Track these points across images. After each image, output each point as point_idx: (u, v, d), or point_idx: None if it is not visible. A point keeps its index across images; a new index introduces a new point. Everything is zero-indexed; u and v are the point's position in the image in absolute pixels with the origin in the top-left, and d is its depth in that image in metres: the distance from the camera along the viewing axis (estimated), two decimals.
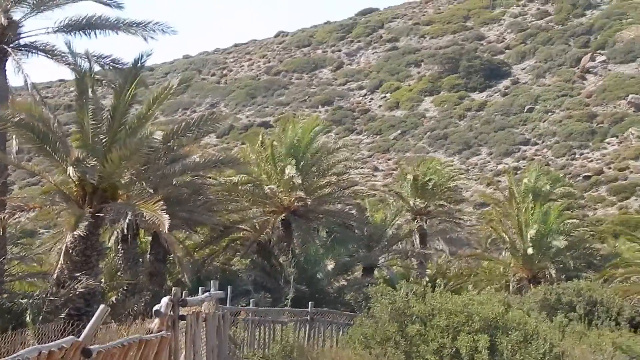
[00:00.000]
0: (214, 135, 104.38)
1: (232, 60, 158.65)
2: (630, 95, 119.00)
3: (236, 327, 27.72)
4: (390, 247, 57.26)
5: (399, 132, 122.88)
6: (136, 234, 37.13)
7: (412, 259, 61.92)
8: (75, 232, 32.46)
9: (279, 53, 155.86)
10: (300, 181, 45.47)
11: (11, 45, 34.81)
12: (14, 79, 32.31)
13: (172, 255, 36.20)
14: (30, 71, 34.65)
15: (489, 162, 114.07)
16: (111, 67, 36.04)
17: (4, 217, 33.74)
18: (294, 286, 41.76)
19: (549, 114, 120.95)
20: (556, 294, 38.90)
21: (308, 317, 34.34)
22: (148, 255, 38.79)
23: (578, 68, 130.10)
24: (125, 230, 36.64)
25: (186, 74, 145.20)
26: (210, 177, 41.93)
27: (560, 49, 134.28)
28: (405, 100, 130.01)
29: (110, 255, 38.02)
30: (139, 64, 34.96)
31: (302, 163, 46.69)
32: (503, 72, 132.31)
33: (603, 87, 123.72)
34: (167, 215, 31.63)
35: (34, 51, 35.66)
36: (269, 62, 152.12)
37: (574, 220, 57.26)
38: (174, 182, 36.62)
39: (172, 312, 18.88)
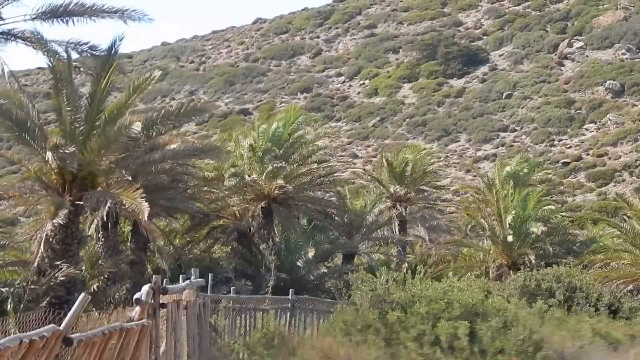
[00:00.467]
0: (193, 123, 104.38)
1: (210, 47, 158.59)
2: (608, 82, 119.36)
3: (217, 315, 27.72)
4: (370, 234, 57.33)
5: (377, 119, 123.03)
6: (116, 222, 37.12)
7: (392, 245, 61.98)
8: (55, 221, 32.46)
9: (257, 40, 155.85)
10: (281, 170, 45.69)
11: None
12: None
13: (152, 244, 36.21)
14: (8, 59, 34.41)
15: (468, 148, 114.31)
16: (89, 54, 35.95)
17: None
18: (275, 274, 41.80)
19: (527, 100, 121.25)
20: (535, 280, 38.98)
21: (289, 305, 34.39)
22: (128, 244, 38.81)
23: (556, 54, 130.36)
24: (105, 219, 36.64)
25: (164, 61, 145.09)
26: (189, 166, 41.86)
27: (537, 35, 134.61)
28: (383, 87, 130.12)
29: (91, 244, 38.01)
30: (112, 50, 35.01)
31: (282, 151, 46.76)
32: (481, 59, 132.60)
33: (580, 73, 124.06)
34: (146, 203, 31.67)
35: (11, 39, 35.58)
36: (247, 49, 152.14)
37: (553, 207, 57.36)
38: (153, 170, 36.59)
39: (152, 300, 18.90)
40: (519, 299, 33.83)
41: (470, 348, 26.76)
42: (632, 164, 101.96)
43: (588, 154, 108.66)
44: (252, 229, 45.60)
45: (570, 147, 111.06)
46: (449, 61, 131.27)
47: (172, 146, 39.06)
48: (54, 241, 32.33)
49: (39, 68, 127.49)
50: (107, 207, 34.30)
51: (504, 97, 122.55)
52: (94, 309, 20.20)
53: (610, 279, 42.38)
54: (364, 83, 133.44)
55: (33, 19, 35.78)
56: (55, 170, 32.62)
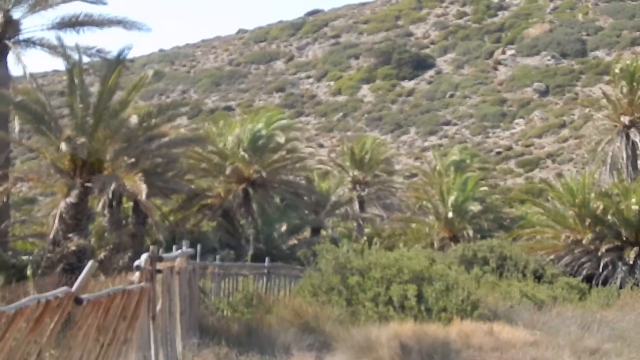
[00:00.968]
0: (185, 117, 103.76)
1: (200, 53, 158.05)
2: (535, 83, 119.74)
3: (205, 279, 27.71)
4: (334, 211, 57.41)
5: (341, 114, 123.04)
6: (120, 200, 36.97)
7: (353, 221, 62.09)
8: (67, 200, 32.45)
9: (239, 47, 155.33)
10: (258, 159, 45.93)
11: (12, 40, 34.63)
12: (15, 69, 32.25)
13: (150, 219, 36.14)
14: (28, 62, 34.64)
15: (417, 139, 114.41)
16: (97, 58, 35.87)
17: (7, 187, 33.66)
18: (253, 244, 41.80)
19: (467, 99, 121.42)
20: (472, 251, 39.08)
21: (265, 271, 34.37)
22: (130, 219, 38.63)
23: (491, 60, 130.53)
24: (111, 198, 36.51)
25: (161, 65, 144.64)
26: (181, 152, 41.72)
27: (476, 44, 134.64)
28: (346, 87, 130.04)
29: (98, 219, 37.89)
30: (121, 57, 35.02)
31: (260, 142, 46.78)
32: (428, 64, 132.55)
33: (512, 76, 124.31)
34: (144, 185, 31.69)
35: (31, 45, 35.45)
36: (231, 55, 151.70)
37: (487, 189, 57.52)
38: (151, 157, 36.49)
39: (150, 267, 18.89)
40: (459, 266, 33.97)
41: (418, 307, 26.86)
42: (555, 153, 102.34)
43: (517, 145, 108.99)
44: (234, 206, 45.54)
45: (502, 138, 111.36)
46: (401, 66, 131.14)
47: (168, 136, 39.06)
48: (66, 217, 32.25)
49: (55, 70, 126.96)
50: (111, 188, 34.15)
51: (447, 96, 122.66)
52: (101, 274, 20.11)
53: (535, 250, 42.50)
54: (329, 84, 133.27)
55: (50, 29, 35.66)
56: (68, 157, 32.53)
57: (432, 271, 28.88)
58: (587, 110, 76.39)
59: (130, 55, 37.40)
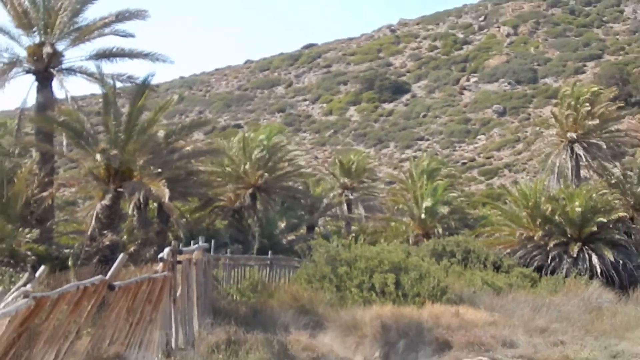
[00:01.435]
0: (202, 133, 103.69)
1: (213, 80, 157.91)
2: (494, 105, 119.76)
3: (217, 269, 27.69)
4: (326, 212, 57.47)
5: (332, 131, 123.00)
6: (147, 203, 36.93)
7: (342, 220, 62.12)
8: (103, 202, 32.53)
9: (247, 75, 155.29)
10: (262, 161, 46.04)
11: (56, 68, 34.63)
12: (58, 93, 32.22)
13: (172, 218, 36.13)
14: (70, 87, 34.46)
15: (395, 152, 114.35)
16: (128, 83, 35.94)
17: (52, 192, 33.67)
18: (258, 240, 41.80)
19: (437, 118, 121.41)
20: (442, 245, 39.12)
21: (268, 262, 34.35)
22: (155, 218, 38.60)
23: (457, 86, 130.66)
24: (139, 201, 36.50)
25: (181, 90, 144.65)
26: (199, 164, 41.70)
27: (445, 73, 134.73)
28: (336, 108, 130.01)
29: (129, 219, 37.87)
30: (146, 82, 35.08)
31: (264, 153, 46.82)
32: (405, 89, 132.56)
33: (475, 99, 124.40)
34: (167, 190, 31.76)
35: (72, 73, 35.48)
36: (240, 81, 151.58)
37: (454, 194, 57.48)
38: (173, 167, 36.51)
39: (172, 259, 18.88)
40: (430, 258, 34.00)
41: (396, 292, 26.89)
42: (511, 164, 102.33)
43: (479, 157, 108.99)
44: (242, 208, 45.53)
45: (467, 151, 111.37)
46: (382, 91, 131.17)
47: (187, 149, 39.10)
48: (102, 217, 32.30)
49: (92, 94, 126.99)
50: (140, 193, 34.18)
51: (421, 116, 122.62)
52: (130, 264, 20.12)
53: (494, 245, 42.54)
54: (322, 106, 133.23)
55: (88, 59, 35.71)
56: (103, 167, 32.58)
57: (408, 262, 28.93)
58: (537, 128, 76.32)
59: (155, 81, 37.48)
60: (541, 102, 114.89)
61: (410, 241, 48.88)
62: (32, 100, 35.03)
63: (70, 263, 26.83)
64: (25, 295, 10.35)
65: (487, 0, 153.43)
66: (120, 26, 35.81)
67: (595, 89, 55.59)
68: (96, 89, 35.44)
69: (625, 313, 27.24)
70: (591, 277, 38.09)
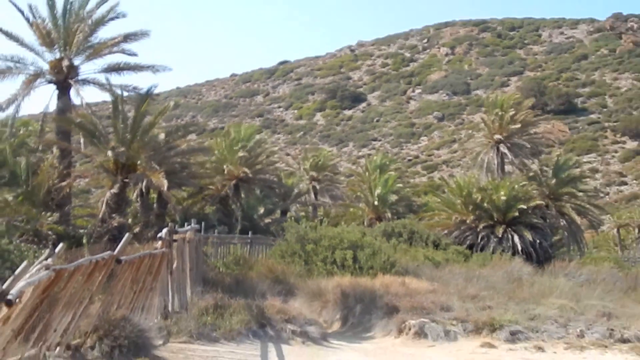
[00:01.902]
0: (195, 134, 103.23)
1: (204, 89, 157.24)
2: (435, 112, 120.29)
3: (207, 246, 27.64)
4: (296, 199, 57.40)
5: (301, 133, 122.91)
6: (148, 191, 36.71)
7: (309, 206, 62.13)
8: (112, 191, 32.41)
9: (232, 86, 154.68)
10: (244, 158, 45.94)
11: (73, 79, 34.47)
12: (75, 100, 32.06)
13: (169, 204, 35.98)
14: (85, 95, 34.25)
15: (353, 150, 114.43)
16: (133, 92, 35.74)
17: (70, 182, 33.53)
18: (241, 222, 41.71)
19: (388, 122, 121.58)
20: (391, 227, 39.23)
21: (249, 240, 34.37)
22: (155, 204, 38.35)
23: (405, 96, 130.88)
24: (142, 189, 36.30)
25: (177, 98, 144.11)
26: (192, 159, 41.53)
27: (394, 85, 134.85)
28: (305, 114, 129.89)
29: (133, 204, 37.65)
30: (148, 92, 35.01)
31: (246, 149, 46.72)
32: (362, 98, 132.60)
33: (419, 107, 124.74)
34: (165, 181, 31.73)
35: (86, 83, 35.28)
36: (226, 91, 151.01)
37: (401, 185, 57.67)
38: (170, 162, 36.34)
39: (169, 238, 18.82)
40: (382, 238, 34.05)
41: (353, 266, 26.93)
42: (448, 160, 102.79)
43: (422, 154, 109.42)
44: (228, 196, 45.39)
45: (412, 150, 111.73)
46: (343, 100, 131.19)
47: (182, 147, 38.96)
48: (111, 203, 32.15)
49: (104, 101, 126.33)
50: (143, 183, 34.02)
51: (374, 121, 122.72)
52: (135, 242, 20.05)
53: (434, 227, 42.73)
54: (294, 112, 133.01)
55: (100, 72, 35.53)
56: (112, 161, 32.45)
57: (363, 241, 28.99)
58: (470, 131, 76.72)
59: (155, 91, 37.27)
60: (473, 110, 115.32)
61: (365, 223, 48.96)
62: (53, 105, 34.92)
63: (84, 241, 26.68)
64: (47, 267, 10.32)
65: (429, 25, 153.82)
66: (127, 45, 35.71)
67: (517, 98, 56.11)
68: (107, 96, 35.26)
69: (541, 283, 27.45)
70: (513, 254, 38.34)
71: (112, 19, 35.43)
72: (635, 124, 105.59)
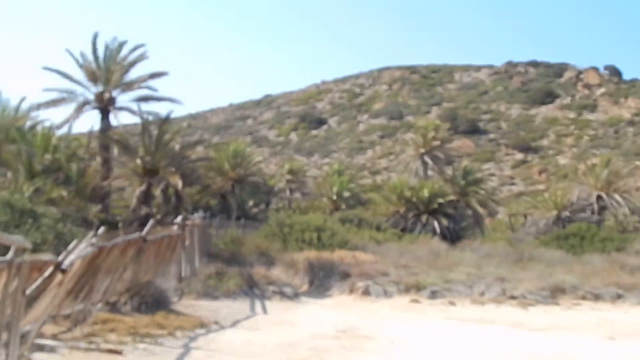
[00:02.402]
0: (202, 147, 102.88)
1: (209, 114, 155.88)
2: (377, 132, 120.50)
3: (210, 229, 27.52)
4: (277, 195, 57.36)
5: (280, 147, 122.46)
6: (167, 189, 36.40)
7: (286, 200, 61.96)
8: (140, 188, 32.20)
9: (229, 112, 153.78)
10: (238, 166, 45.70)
11: (111, 107, 34.17)
12: (113, 122, 31.72)
13: (183, 199, 35.73)
14: (120, 118, 33.70)
15: (319, 160, 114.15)
16: (156, 117, 35.41)
17: (110, 182, 33.28)
18: (236, 212, 41.54)
19: (343, 139, 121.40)
20: (346, 215, 39.26)
21: (242, 225, 34.26)
22: (172, 198, 38.00)
23: (355, 120, 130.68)
24: (163, 187, 35.96)
25: (189, 120, 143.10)
26: (200, 165, 41.15)
27: (349, 112, 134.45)
28: (284, 133, 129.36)
29: (156, 198, 37.25)
30: (167, 117, 34.85)
31: (237, 159, 46.43)
32: (324, 122, 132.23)
33: (366, 128, 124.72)
34: (180, 181, 31.68)
35: (122, 110, 34.95)
36: (225, 116, 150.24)
37: (353, 185, 57.62)
38: (184, 167, 36.06)
39: (183, 223, 18.73)
40: (338, 223, 34.11)
41: (318, 243, 26.93)
42: (387, 167, 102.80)
43: (369, 163, 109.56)
44: (226, 192, 45.12)
45: (361, 160, 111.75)
46: (311, 123, 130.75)
47: (192, 156, 38.72)
48: (140, 197, 31.99)
49: (135, 123, 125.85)
50: (163, 183, 33.75)
51: (333, 138, 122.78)
52: (158, 226, 19.96)
53: (377, 215, 42.79)
54: (275, 131, 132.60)
55: (131, 101, 35.21)
56: (141, 167, 32.27)
57: (325, 226, 29.01)
58: (402, 146, 76.84)
59: (172, 115, 37.04)
60: (405, 131, 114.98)
61: (328, 213, 48.98)
62: (96, 125, 34.50)
63: (119, 225, 26.45)
64: (92, 245, 10.26)
65: (373, 69, 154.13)
66: (151, 82, 35.34)
67: (437, 123, 56.52)
68: (137, 119, 34.98)
69: (454, 256, 27.68)
70: (433, 235, 38.54)
71: (140, 61, 35.18)
72: (521, 141, 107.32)
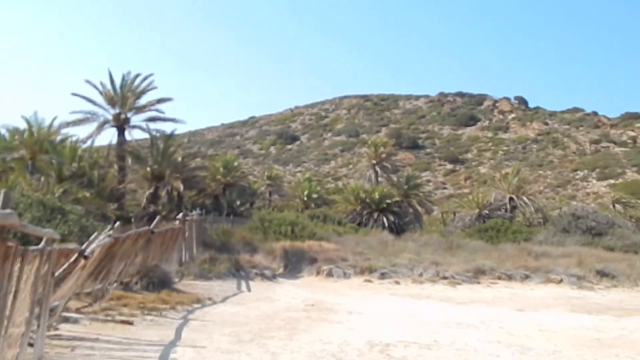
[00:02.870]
0: (199, 158, 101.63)
1: (205, 132, 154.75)
2: (339, 147, 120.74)
3: (206, 224, 27.26)
4: (259, 196, 57.05)
5: (262, 158, 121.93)
6: (171, 191, 35.92)
7: (267, 201, 61.63)
8: (149, 191, 31.71)
9: (221, 130, 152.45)
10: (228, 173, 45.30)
11: (126, 125, 33.61)
12: (128, 137, 31.16)
13: (184, 199, 35.29)
14: (133, 134, 32.86)
15: (292, 169, 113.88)
16: (162, 133, 34.88)
17: (124, 185, 32.66)
18: (226, 210, 41.18)
19: (312, 152, 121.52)
20: (314, 213, 39.12)
21: (231, 220, 33.97)
22: (175, 199, 37.55)
23: (321, 138, 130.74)
24: (168, 190, 35.52)
25: (188, 136, 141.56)
26: (198, 172, 40.64)
27: (316, 131, 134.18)
28: (265, 148, 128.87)
29: (162, 199, 36.72)
30: (171, 134, 34.43)
31: (228, 168, 46.07)
32: (297, 138, 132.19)
33: (330, 144, 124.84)
34: (182, 185, 31.22)
35: (135, 128, 34.40)
36: (218, 133, 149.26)
37: (319, 188, 57.65)
38: (185, 174, 35.60)
39: (183, 218, 18.49)
40: (308, 219, 34.00)
41: (292, 235, 26.84)
42: (347, 175, 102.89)
43: (332, 171, 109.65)
44: (218, 194, 44.74)
45: (326, 168, 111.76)
46: (286, 139, 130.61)
47: (192, 165, 38.27)
48: (149, 198, 31.52)
49: (145, 138, 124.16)
50: (168, 186, 33.28)
51: (304, 151, 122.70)
52: (163, 221, 19.71)
53: (339, 212, 42.77)
54: (258, 145, 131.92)
55: (143, 121, 34.63)
56: (150, 173, 31.79)
57: (298, 221, 28.94)
58: (358, 158, 77.03)
59: (176, 132, 36.59)
60: (361, 146, 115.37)
61: (300, 210, 48.88)
62: (114, 140, 33.90)
63: (132, 220, 26.03)
64: (109, 235, 10.11)
65: (336, 97, 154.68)
66: (159, 106, 34.84)
67: (385, 140, 56.83)
68: (146, 135, 34.40)
69: (399, 245, 27.81)
70: (383, 228, 38.68)
71: (149, 90, 34.79)
72: (451, 155, 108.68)
